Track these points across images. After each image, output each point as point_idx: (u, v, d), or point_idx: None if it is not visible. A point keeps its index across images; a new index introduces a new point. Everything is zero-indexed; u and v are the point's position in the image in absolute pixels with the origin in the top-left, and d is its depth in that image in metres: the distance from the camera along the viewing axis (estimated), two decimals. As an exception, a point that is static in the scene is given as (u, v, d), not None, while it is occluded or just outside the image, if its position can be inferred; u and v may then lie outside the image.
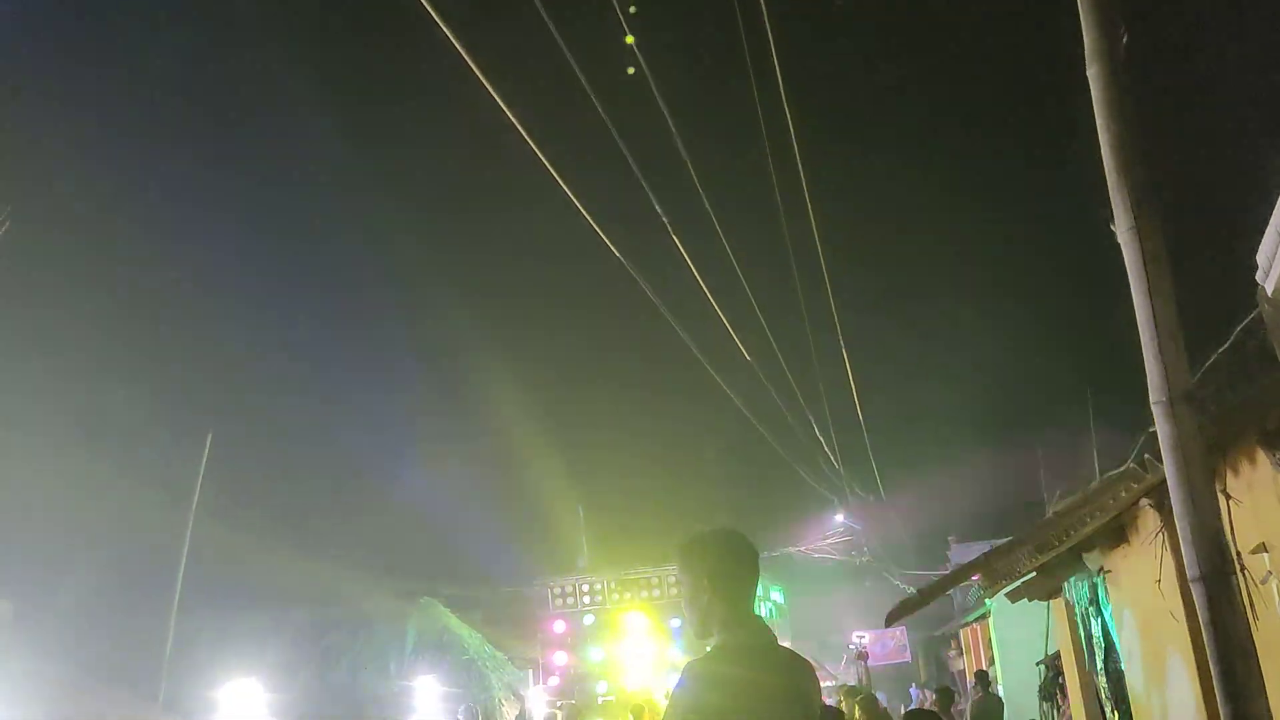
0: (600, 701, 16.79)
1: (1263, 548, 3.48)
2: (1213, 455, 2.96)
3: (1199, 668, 4.60)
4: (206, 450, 19.97)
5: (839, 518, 27.27)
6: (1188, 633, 4.63)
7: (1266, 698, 2.74)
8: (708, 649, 3.37)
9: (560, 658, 17.77)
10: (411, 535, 26.61)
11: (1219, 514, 2.81)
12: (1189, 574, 2.78)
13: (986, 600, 21.31)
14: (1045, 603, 14.74)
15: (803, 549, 27.73)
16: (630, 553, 22.87)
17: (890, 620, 9.69)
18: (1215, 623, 2.71)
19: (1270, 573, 3.47)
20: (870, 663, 27.37)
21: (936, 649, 35.04)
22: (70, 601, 18.25)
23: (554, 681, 17.82)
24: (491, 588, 27.84)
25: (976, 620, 25.46)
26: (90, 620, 18.54)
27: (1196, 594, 2.76)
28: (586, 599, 17.64)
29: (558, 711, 15.86)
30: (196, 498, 19.44)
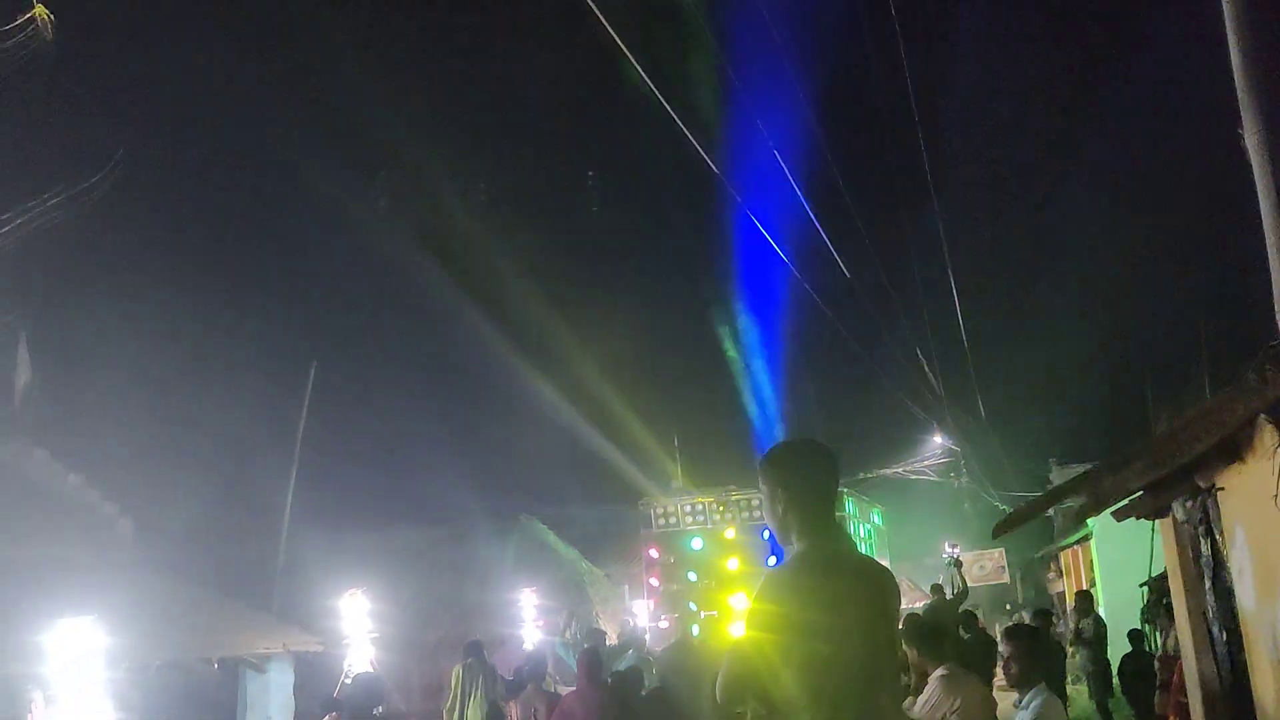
0: (702, 617, 17.15)
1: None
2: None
3: (1316, 584, 4.51)
4: (311, 379, 20.58)
5: (938, 439, 27.09)
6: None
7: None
8: (791, 556, 3.41)
9: (654, 582, 18.18)
10: (512, 458, 27.15)
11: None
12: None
13: (1088, 521, 21.03)
14: (1151, 524, 14.54)
15: (901, 470, 27.62)
16: (726, 476, 23.02)
17: (997, 533, 9.63)
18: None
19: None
20: (970, 583, 27.31)
21: (1035, 571, 34.78)
22: (185, 522, 19.07)
23: (652, 604, 18.23)
24: (589, 507, 28.37)
25: (1077, 542, 25.19)
26: (205, 540, 19.38)
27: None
28: (689, 519, 17.92)
29: (666, 624, 16.16)
30: (303, 424, 20.09)
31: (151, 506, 17.15)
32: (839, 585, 3.25)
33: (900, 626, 6.05)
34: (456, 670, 9.63)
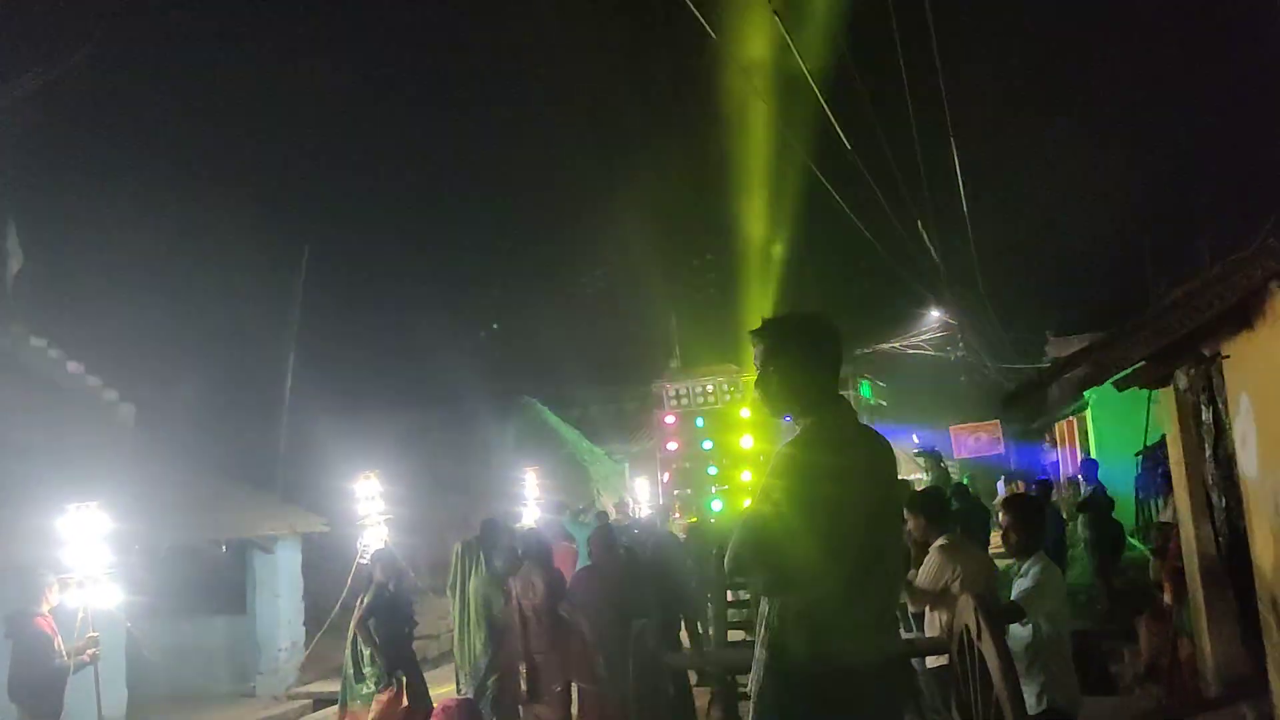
0: (714, 490, 17.56)
1: None
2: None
3: (1323, 449, 4.52)
4: (304, 263, 20.42)
5: (935, 313, 27.11)
6: (1313, 414, 4.52)
7: None
8: (797, 431, 3.40)
9: (672, 446, 18.51)
10: (512, 340, 27.17)
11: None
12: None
13: (1085, 393, 21.15)
14: (1145, 395, 14.62)
15: (899, 345, 27.69)
16: (725, 356, 23.10)
17: (1009, 404, 9.70)
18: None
19: None
20: (962, 455, 27.64)
21: (1028, 442, 35.17)
22: (186, 407, 19.11)
23: (666, 477, 18.54)
24: (589, 388, 28.51)
25: (1073, 413, 25.40)
26: (206, 424, 19.45)
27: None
28: (700, 399, 18.18)
29: (676, 499, 16.39)
30: (298, 309, 19.99)
31: (152, 392, 17.19)
32: (846, 459, 3.25)
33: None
34: (456, 548, 9.72)
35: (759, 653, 3.33)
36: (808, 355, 3.37)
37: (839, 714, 3.18)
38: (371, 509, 12.48)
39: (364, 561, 10.56)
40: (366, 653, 8.78)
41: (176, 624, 13.30)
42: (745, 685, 6.19)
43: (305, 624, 14.23)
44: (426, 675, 9.27)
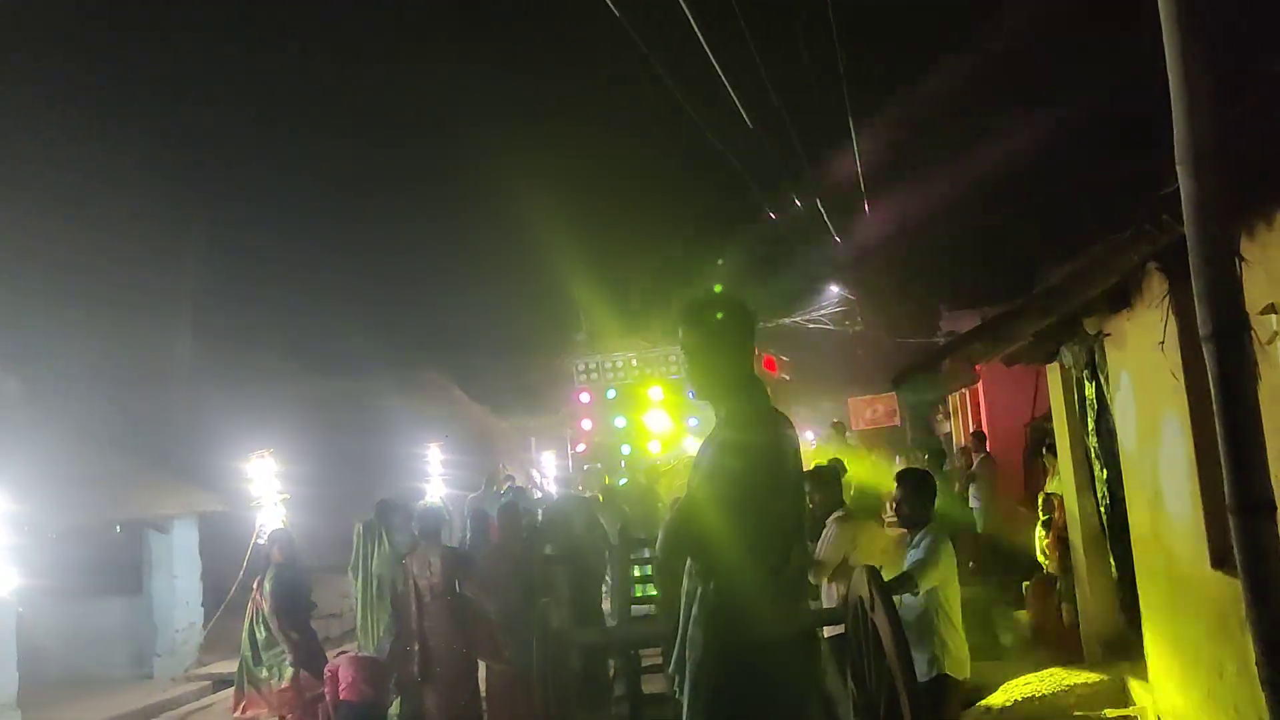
0: (623, 464, 17.72)
1: (1271, 308, 3.52)
2: (1229, 217, 2.95)
3: (1194, 424, 4.75)
4: (198, 233, 19.89)
5: (834, 288, 27.56)
6: (1185, 391, 4.75)
7: (1266, 453, 2.84)
8: (721, 415, 3.47)
9: (586, 424, 18.60)
10: (416, 311, 26.79)
11: (1236, 274, 2.83)
12: (1202, 332, 2.82)
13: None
14: (1031, 369, 15.12)
15: (799, 320, 28.08)
16: (633, 329, 23.19)
17: (897, 383, 9.95)
18: (1226, 379, 2.77)
19: (1277, 333, 3.53)
20: (861, 427, 28.21)
21: (924, 413, 36.03)
22: (76, 380, 18.50)
23: (581, 448, 18.63)
24: (494, 360, 28.32)
25: (966, 386, 26.06)
26: (98, 397, 18.85)
27: (1208, 352, 2.81)
28: (610, 375, 18.28)
29: (585, 474, 16.43)
30: (193, 278, 19.49)
31: (39, 364, 16.62)
32: (764, 446, 3.33)
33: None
34: (357, 527, 9.60)
35: (692, 632, 3.40)
36: (721, 340, 3.42)
37: (767, 686, 3.30)
38: (268, 489, 12.30)
39: (261, 542, 10.42)
40: (262, 635, 8.66)
41: (70, 606, 12.95)
42: (650, 659, 6.31)
43: (203, 604, 14.00)
44: (329, 654, 9.20)
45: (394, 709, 8.63)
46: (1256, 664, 2.83)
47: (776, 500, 3.30)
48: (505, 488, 16.86)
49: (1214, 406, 2.84)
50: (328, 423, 21.20)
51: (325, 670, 7.73)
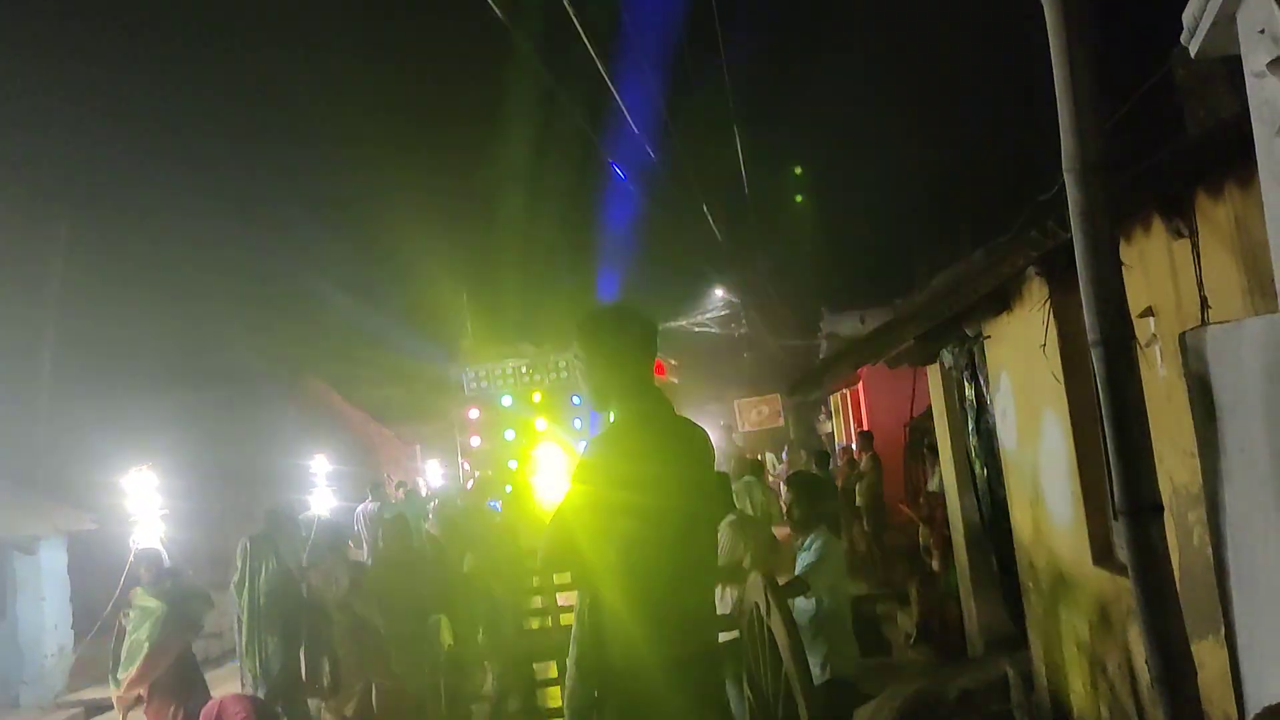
0: (512, 470, 17.69)
1: (1149, 312, 3.63)
2: (1114, 224, 3.02)
3: (1074, 424, 4.89)
4: (63, 234, 19.03)
5: (719, 292, 27.84)
6: (1065, 393, 4.88)
7: (1153, 456, 2.91)
8: (609, 422, 3.41)
9: (475, 441, 18.48)
10: (293, 318, 26.10)
11: (1123, 281, 2.89)
12: (1090, 337, 2.87)
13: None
14: (909, 370, 15.48)
15: (685, 324, 28.26)
16: (517, 335, 23.04)
17: (793, 392, 10.10)
18: (1113, 384, 2.83)
19: (1155, 336, 3.63)
20: (746, 429, 28.53)
21: (807, 414, 36.66)
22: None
23: (467, 466, 18.48)
24: (375, 368, 27.80)
25: (847, 386, 26.58)
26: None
27: (1096, 358, 2.87)
28: (499, 381, 18.16)
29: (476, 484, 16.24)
30: (58, 283, 18.64)
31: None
32: (657, 449, 3.27)
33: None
34: (243, 543, 9.22)
35: (571, 649, 3.32)
36: (615, 348, 3.35)
37: (650, 708, 3.21)
38: (146, 505, 11.83)
39: (136, 564, 9.99)
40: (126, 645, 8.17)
41: (-75, 632, 12.27)
42: (541, 673, 6.23)
43: (74, 627, 13.37)
44: (208, 675, 8.83)
45: None
46: (1147, 663, 2.89)
47: (656, 514, 3.19)
48: (401, 494, 16.58)
49: (1101, 411, 2.90)
50: (206, 435, 20.52)
51: (205, 713, 7.30)
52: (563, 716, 4.88)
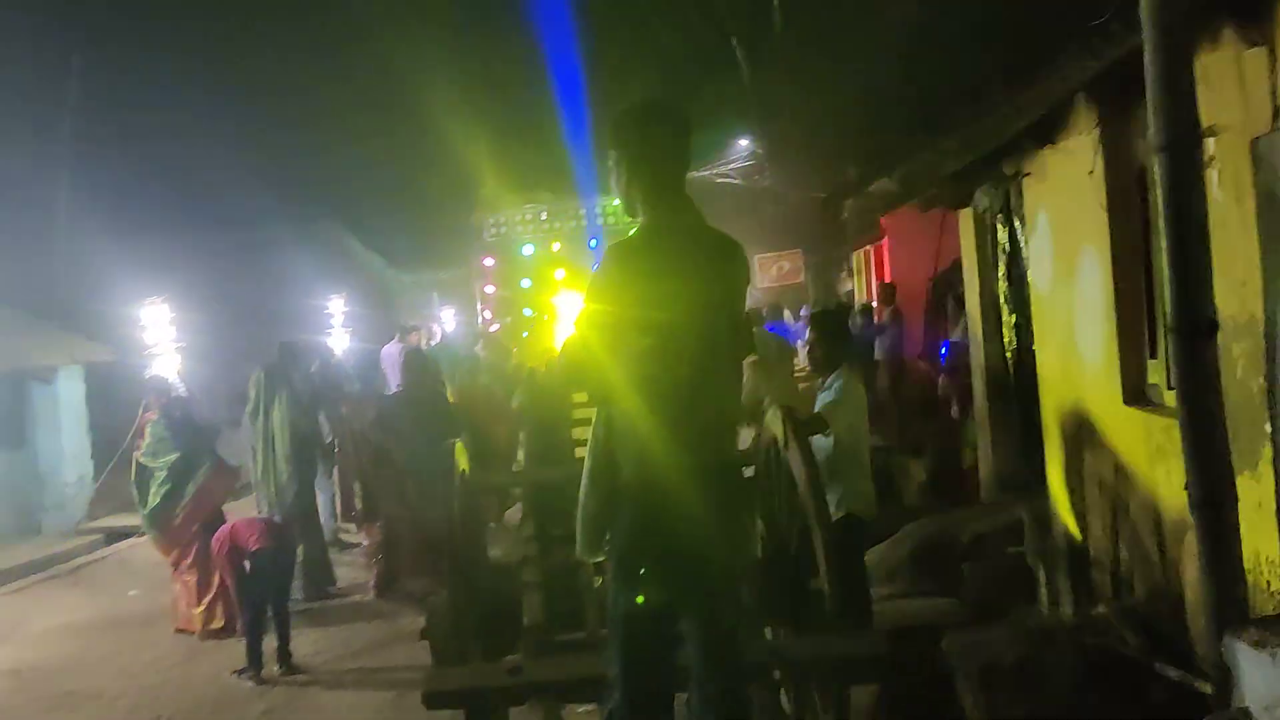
0: (527, 317, 17.69)
1: (1210, 130, 3.39)
2: (1189, 26, 2.78)
3: (1115, 259, 4.70)
4: (78, 67, 18.64)
5: (743, 142, 27.20)
6: (1108, 225, 4.68)
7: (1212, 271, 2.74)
8: (637, 227, 3.25)
9: (489, 289, 18.38)
10: (312, 161, 25.74)
11: (1194, 81, 2.67)
12: (1155, 142, 2.67)
13: (882, 220, 21.83)
14: (937, 225, 15.18)
15: (707, 174, 27.74)
16: (536, 181, 22.70)
17: (828, 205, 9.86)
18: (1176, 192, 2.65)
19: (1213, 157, 3.41)
20: (765, 284, 28.35)
21: (827, 272, 36.36)
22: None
23: (488, 314, 18.43)
24: (393, 213, 27.56)
25: (870, 243, 26.27)
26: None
27: (1160, 164, 2.68)
28: (519, 229, 17.95)
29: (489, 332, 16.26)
30: (71, 116, 18.36)
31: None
32: (674, 256, 3.11)
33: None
34: (257, 375, 9.25)
35: (585, 461, 3.25)
36: (644, 149, 3.16)
37: (663, 523, 3.11)
38: (162, 336, 11.84)
39: (147, 393, 10.05)
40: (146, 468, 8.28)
41: (-54, 460, 12.45)
42: (557, 502, 6.23)
43: (93, 457, 13.55)
44: (226, 507, 8.92)
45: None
46: (1187, 487, 2.78)
47: (673, 324, 3.05)
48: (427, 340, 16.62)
49: (1161, 222, 2.72)
50: (223, 274, 20.49)
51: (217, 536, 7.41)
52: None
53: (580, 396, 8.99)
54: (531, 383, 8.05)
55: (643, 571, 3.13)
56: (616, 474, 3.13)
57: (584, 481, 3.23)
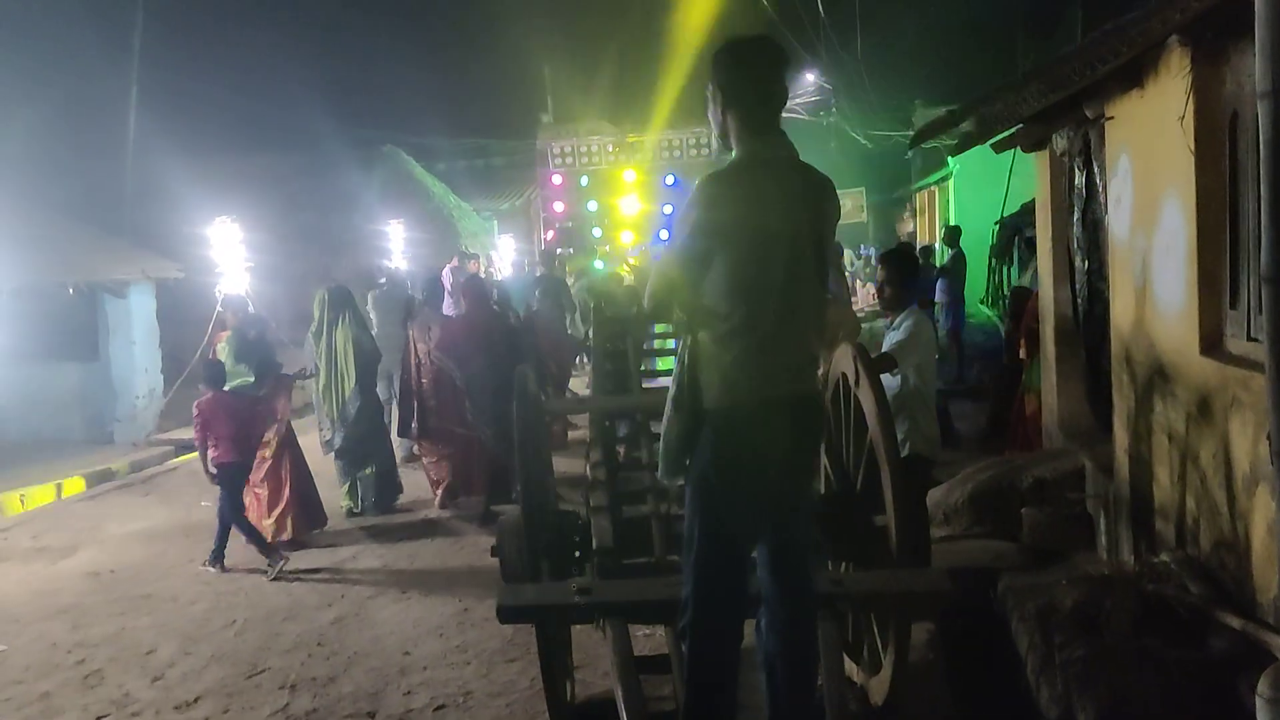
0: (597, 248, 17.65)
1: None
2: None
3: (1200, 206, 4.63)
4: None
5: (810, 76, 26.83)
6: (1194, 171, 4.60)
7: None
8: (731, 160, 3.29)
9: (559, 207, 18.35)
10: (374, 85, 25.80)
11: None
12: (1260, 89, 2.63)
13: (949, 161, 21.49)
14: (1006, 168, 14.92)
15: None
16: (599, 112, 22.55)
17: (914, 143, 9.78)
18: (1277, 140, 2.61)
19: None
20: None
21: (888, 212, 35.98)
22: (22, 143, 17.82)
23: (551, 234, 18.46)
24: (455, 140, 27.57)
25: (936, 182, 25.91)
26: (45, 162, 18.19)
27: (1263, 110, 2.64)
28: (585, 159, 17.88)
29: (556, 259, 16.35)
30: (139, 37, 18.50)
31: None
32: (766, 188, 3.15)
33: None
34: (320, 294, 9.46)
35: (670, 388, 3.31)
36: (740, 82, 3.21)
37: (744, 450, 3.18)
38: (230, 255, 12.05)
39: (221, 310, 10.29)
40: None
41: (24, 369, 12.80)
42: (620, 431, 6.31)
43: (163, 372, 13.88)
44: (293, 424, 9.14)
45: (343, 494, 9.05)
46: (1268, 436, 2.77)
47: (763, 254, 3.13)
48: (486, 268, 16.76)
49: (1261, 169, 2.68)
50: (288, 196, 20.72)
51: (195, 407, 7.80)
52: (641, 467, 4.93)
53: (660, 328, 9.16)
54: (600, 313, 8.10)
55: (721, 496, 3.20)
56: (699, 400, 3.19)
57: (668, 407, 3.30)
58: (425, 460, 9.36)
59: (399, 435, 9.77)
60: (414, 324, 9.27)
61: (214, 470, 7.61)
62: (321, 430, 9.31)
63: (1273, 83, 2.61)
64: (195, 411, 7.69)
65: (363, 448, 9.11)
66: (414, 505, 9.32)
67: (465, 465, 9.03)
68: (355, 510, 9.12)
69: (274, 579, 7.33)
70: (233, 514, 7.59)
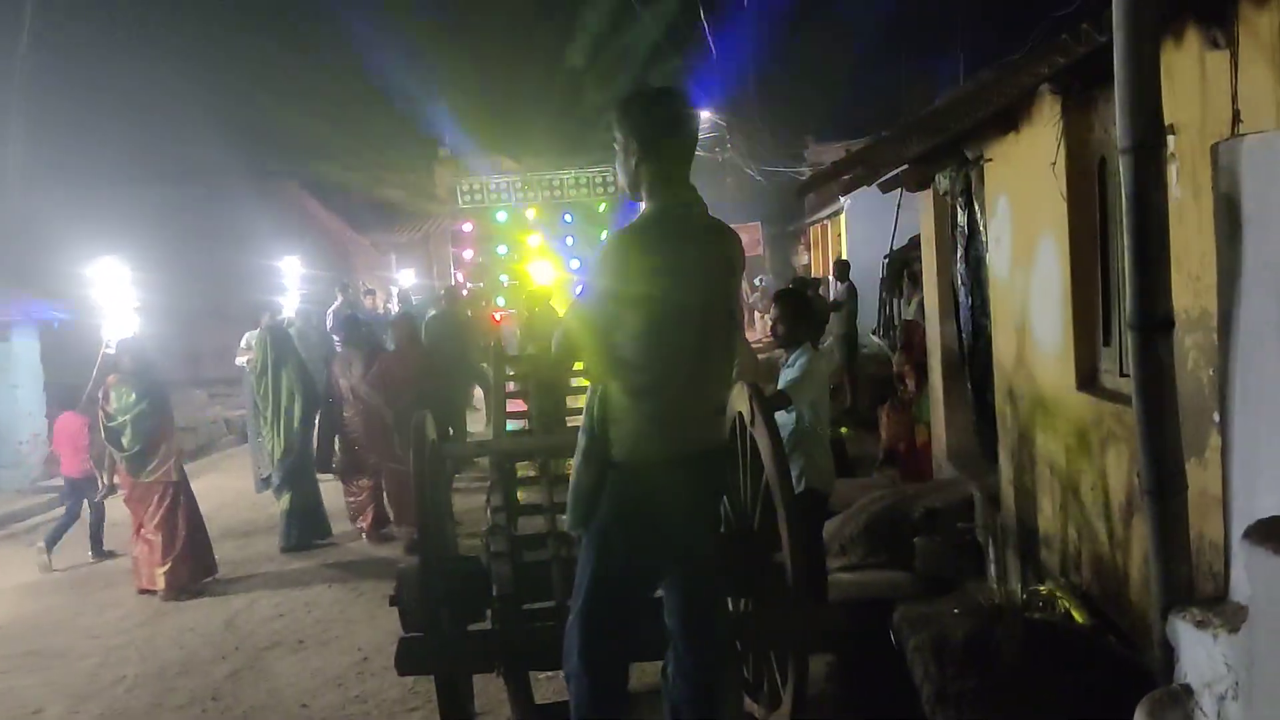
0: (505, 285, 17.72)
1: (1171, 129, 3.52)
2: (1157, 30, 2.87)
3: (1073, 248, 4.83)
4: (29, 14, 18.18)
5: (705, 113, 27.23)
6: (1067, 214, 4.81)
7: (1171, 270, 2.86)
8: (640, 213, 3.32)
9: (468, 254, 18.34)
10: (271, 116, 25.33)
11: (1160, 85, 2.78)
12: (1121, 144, 2.78)
13: (841, 198, 21.99)
14: (895, 203, 15.33)
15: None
16: (502, 147, 22.54)
17: (801, 192, 9.95)
18: (1140, 193, 2.76)
19: (1173, 154, 3.53)
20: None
21: (784, 245, 36.64)
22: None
23: (461, 277, 18.42)
24: (353, 173, 27.24)
25: (828, 217, 26.46)
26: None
27: (1125, 165, 2.78)
28: (494, 196, 17.85)
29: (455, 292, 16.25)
30: (23, 62, 17.93)
31: None
32: (682, 251, 3.17)
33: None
34: (261, 334, 9.72)
35: (579, 439, 3.31)
36: (643, 136, 3.19)
37: (649, 505, 3.20)
38: (116, 296, 11.74)
39: (109, 351, 10.03)
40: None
41: (-105, 416, 12.27)
42: (524, 470, 6.29)
43: (48, 416, 13.38)
44: (185, 467, 8.91)
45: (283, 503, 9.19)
46: (1138, 474, 2.91)
47: (673, 311, 3.15)
48: (371, 301, 16.64)
49: (1125, 221, 2.83)
50: (179, 232, 20.21)
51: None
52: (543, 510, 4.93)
53: (576, 366, 9.19)
54: (499, 353, 8.09)
55: (621, 548, 3.22)
56: (608, 451, 3.21)
57: (577, 457, 3.30)
58: (346, 497, 9.35)
59: (318, 470, 9.66)
60: (335, 360, 9.51)
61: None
62: (260, 469, 9.38)
63: (1133, 139, 2.76)
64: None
65: (286, 481, 9.11)
66: (340, 538, 9.41)
67: (397, 496, 9.03)
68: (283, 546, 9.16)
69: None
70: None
